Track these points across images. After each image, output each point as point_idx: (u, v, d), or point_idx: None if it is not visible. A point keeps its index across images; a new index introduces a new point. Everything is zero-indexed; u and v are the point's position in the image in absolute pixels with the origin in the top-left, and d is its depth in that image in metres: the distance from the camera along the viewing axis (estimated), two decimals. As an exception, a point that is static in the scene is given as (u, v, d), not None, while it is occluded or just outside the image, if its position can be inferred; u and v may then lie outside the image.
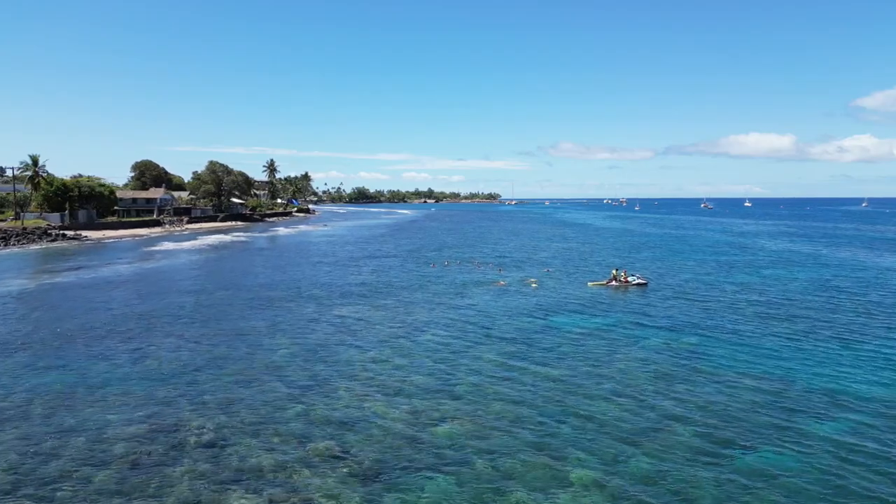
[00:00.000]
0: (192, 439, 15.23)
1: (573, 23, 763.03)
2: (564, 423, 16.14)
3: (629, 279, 40.67)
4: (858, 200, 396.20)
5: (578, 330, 27.09)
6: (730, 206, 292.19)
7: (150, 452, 14.47)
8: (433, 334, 26.41)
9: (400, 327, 27.96)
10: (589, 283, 41.23)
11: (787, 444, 14.71)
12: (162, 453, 14.44)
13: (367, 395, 18.40)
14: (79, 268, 52.44)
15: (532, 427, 15.87)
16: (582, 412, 16.89)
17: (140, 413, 17.01)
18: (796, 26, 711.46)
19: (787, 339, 25.22)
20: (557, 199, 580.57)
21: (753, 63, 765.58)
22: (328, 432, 15.62)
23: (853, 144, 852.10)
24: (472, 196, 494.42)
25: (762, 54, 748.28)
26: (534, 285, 40.60)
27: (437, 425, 16.01)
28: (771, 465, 13.70)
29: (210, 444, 14.94)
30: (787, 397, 18.05)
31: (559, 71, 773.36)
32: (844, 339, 25.17)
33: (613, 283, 40.49)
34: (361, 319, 29.79)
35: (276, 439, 15.23)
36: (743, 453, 14.25)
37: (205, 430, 15.75)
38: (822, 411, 16.90)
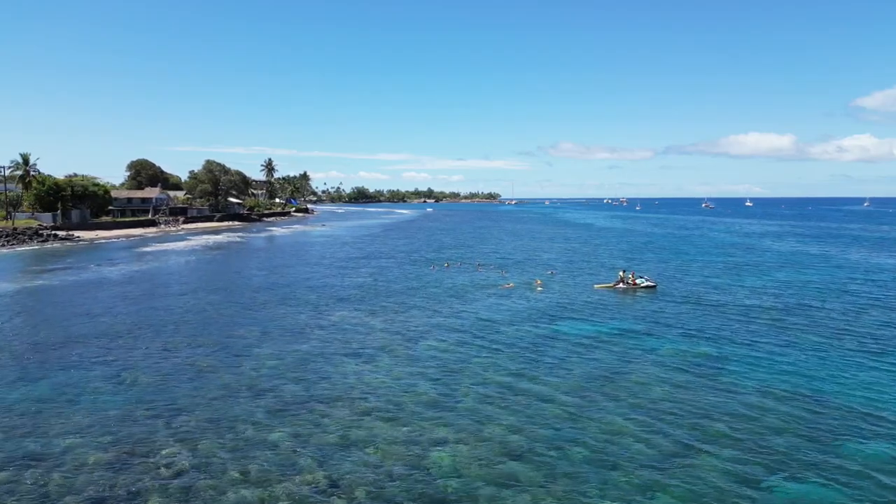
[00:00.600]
0: (164, 468, 13.58)
1: (573, 23, 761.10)
2: (576, 450, 14.46)
3: (637, 281, 39.02)
4: (859, 200, 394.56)
5: (587, 339, 25.43)
6: (731, 206, 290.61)
7: (115, 485, 12.82)
8: (431, 345, 24.76)
9: (397, 336, 26.30)
10: (595, 286, 39.59)
11: (831, 477, 13.03)
12: (128, 485, 12.78)
13: (359, 418, 16.72)
14: (66, 269, 50.76)
15: (540, 455, 14.20)
16: (595, 437, 15.22)
17: (107, 436, 15.34)
18: (796, 26, 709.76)
19: (811, 349, 23.56)
20: (557, 199, 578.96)
21: (753, 63, 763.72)
22: (314, 461, 13.96)
23: (853, 144, 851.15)
24: (472, 196, 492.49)
25: (762, 54, 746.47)
26: (538, 288, 38.97)
27: (434, 454, 14.34)
28: (816, 501, 12.04)
29: (182, 474, 13.29)
30: (821, 419, 16.37)
31: (559, 71, 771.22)
32: (874, 349, 23.48)
33: (621, 285, 38.85)
34: (356, 327, 28.13)
35: (256, 468, 13.57)
36: (781, 490, 12.58)
37: (178, 458, 14.09)
38: (865, 434, 15.22)
